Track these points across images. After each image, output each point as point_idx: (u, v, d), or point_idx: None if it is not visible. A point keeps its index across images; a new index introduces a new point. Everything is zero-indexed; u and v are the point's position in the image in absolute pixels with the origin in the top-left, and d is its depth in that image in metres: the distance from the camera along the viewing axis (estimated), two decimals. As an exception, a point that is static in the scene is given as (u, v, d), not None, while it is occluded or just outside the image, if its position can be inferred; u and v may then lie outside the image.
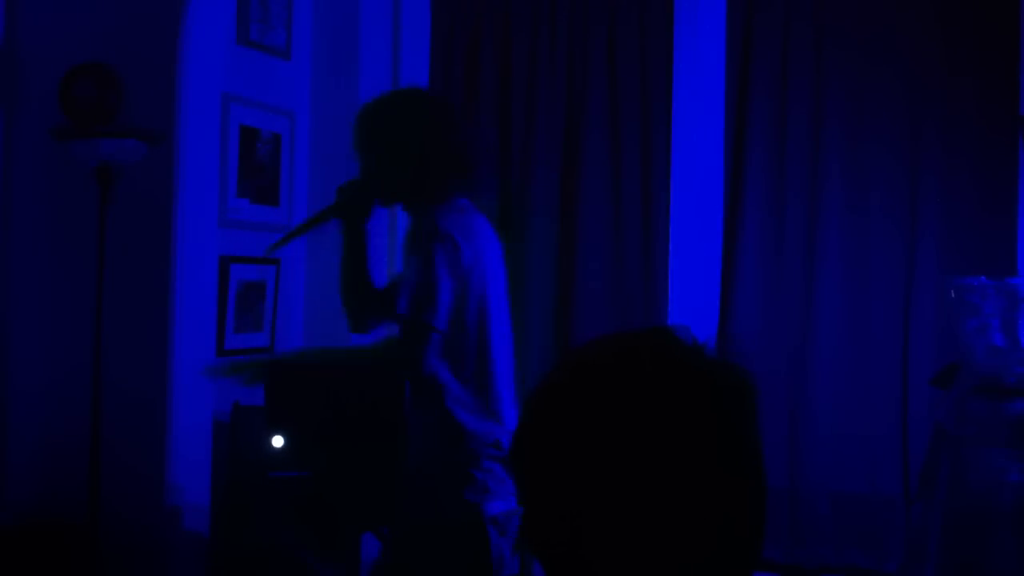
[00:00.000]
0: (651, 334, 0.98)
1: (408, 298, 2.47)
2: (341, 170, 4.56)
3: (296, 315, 4.60)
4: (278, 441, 3.93)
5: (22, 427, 3.82)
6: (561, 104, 4.68)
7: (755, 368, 0.93)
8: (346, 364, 2.89)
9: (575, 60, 4.67)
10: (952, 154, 4.25)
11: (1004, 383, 3.59)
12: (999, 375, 3.60)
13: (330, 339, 3.13)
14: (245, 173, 4.30)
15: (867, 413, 4.31)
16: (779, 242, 4.42)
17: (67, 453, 3.70)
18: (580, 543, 0.93)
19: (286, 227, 4.13)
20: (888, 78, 4.31)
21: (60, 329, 3.80)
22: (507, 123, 4.72)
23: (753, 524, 0.95)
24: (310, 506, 3.78)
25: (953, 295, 3.75)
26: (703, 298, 4.51)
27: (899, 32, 4.31)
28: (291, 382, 4.03)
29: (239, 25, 4.27)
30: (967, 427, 3.62)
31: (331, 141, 4.56)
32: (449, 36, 4.81)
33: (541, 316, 4.64)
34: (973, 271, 3.86)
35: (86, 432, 3.50)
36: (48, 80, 3.76)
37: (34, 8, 3.83)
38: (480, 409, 2.53)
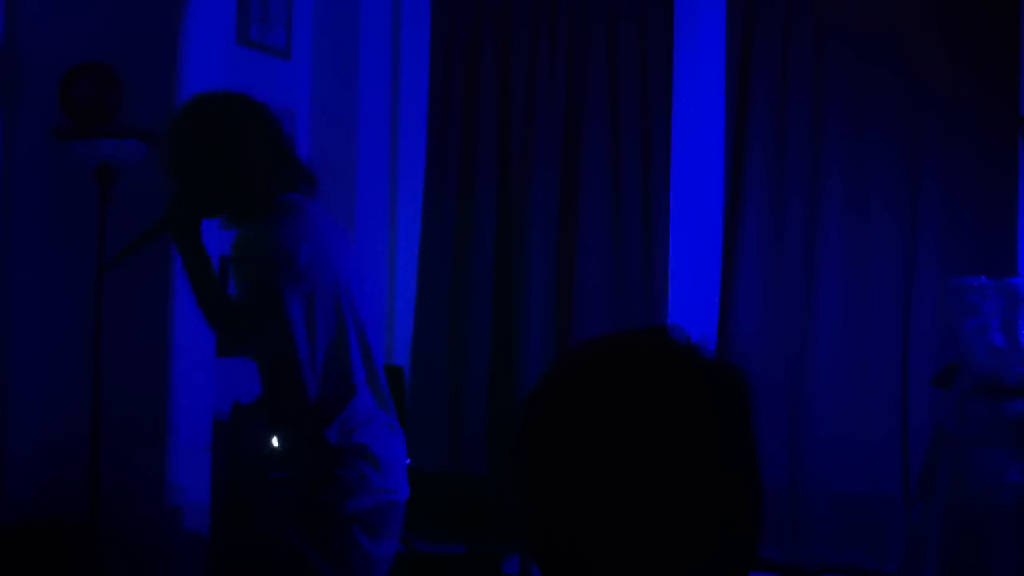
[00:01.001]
0: (648, 334, 0.98)
1: (260, 337, 2.42)
2: (341, 170, 4.58)
3: (296, 315, 4.59)
4: (278, 441, 3.93)
5: (22, 427, 3.82)
6: (561, 104, 4.68)
7: (755, 368, 0.94)
8: None
9: (575, 60, 4.67)
10: (952, 154, 4.25)
11: (1004, 383, 3.59)
12: (999, 375, 3.60)
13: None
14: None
15: (867, 413, 4.31)
16: (779, 242, 4.42)
17: (67, 453, 3.70)
18: (579, 543, 0.93)
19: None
20: (888, 78, 4.31)
21: (60, 329, 3.80)
22: (507, 123, 4.72)
23: (751, 523, 0.95)
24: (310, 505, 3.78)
25: (953, 295, 3.75)
26: (703, 298, 4.51)
27: (900, 32, 4.31)
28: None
29: (239, 25, 4.27)
30: (967, 427, 3.62)
31: (331, 141, 4.56)
32: (449, 36, 4.81)
33: (541, 316, 4.64)
34: (973, 271, 3.86)
35: (86, 432, 3.50)
36: (48, 80, 3.76)
37: (34, 8, 3.83)
38: (335, 409, 2.47)
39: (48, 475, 3.79)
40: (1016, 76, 4.18)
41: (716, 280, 4.51)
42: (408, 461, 2.63)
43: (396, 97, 4.75)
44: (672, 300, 4.54)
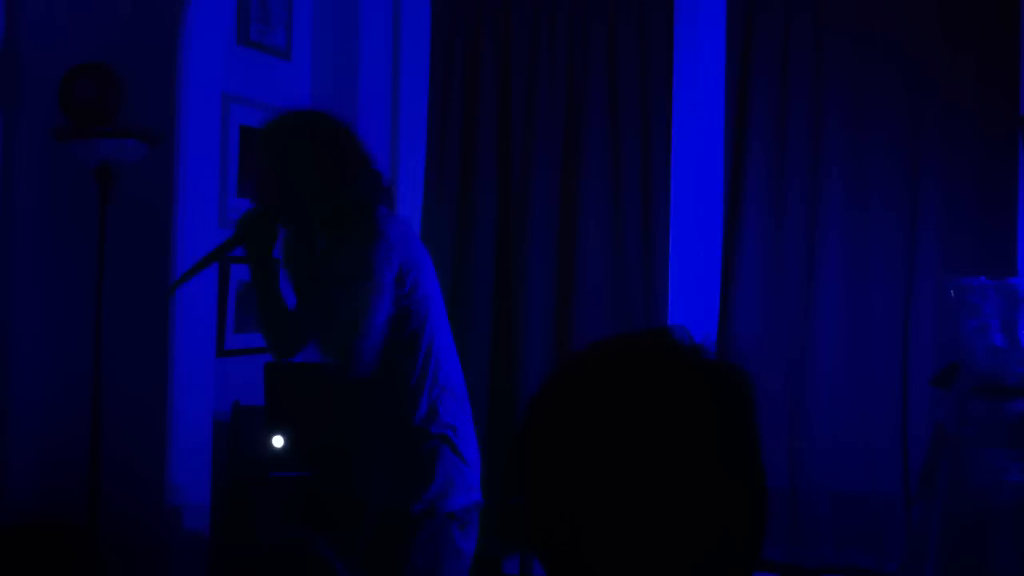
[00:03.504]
0: (650, 335, 0.98)
1: (346, 307, 2.47)
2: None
3: (296, 315, 4.59)
4: (278, 441, 3.94)
5: (22, 427, 3.82)
6: (561, 104, 4.68)
7: (755, 368, 0.94)
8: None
9: (575, 60, 4.67)
10: (952, 154, 4.25)
11: (1004, 383, 3.59)
12: (999, 375, 3.60)
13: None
14: (245, 173, 4.30)
15: (867, 413, 4.31)
16: (779, 242, 4.42)
17: (67, 453, 3.70)
18: (580, 543, 0.93)
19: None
20: (888, 78, 4.31)
21: (60, 329, 3.79)
22: (507, 123, 4.72)
23: (754, 524, 0.95)
24: (311, 505, 3.79)
25: (953, 295, 3.75)
26: (703, 298, 4.51)
27: (899, 32, 4.31)
28: (290, 382, 4.04)
29: (239, 25, 4.27)
30: (967, 427, 3.62)
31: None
32: (449, 36, 4.81)
33: (541, 316, 4.64)
34: (973, 271, 3.86)
35: (86, 432, 3.50)
36: (48, 80, 3.75)
37: (34, 8, 3.83)
38: (430, 409, 2.55)
39: (48, 475, 3.79)
40: (1016, 76, 4.18)
41: (716, 280, 4.51)
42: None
43: (396, 97, 4.75)
44: (672, 300, 4.54)
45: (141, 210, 3.68)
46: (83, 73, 3.72)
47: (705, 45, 4.56)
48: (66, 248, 3.79)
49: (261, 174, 2.61)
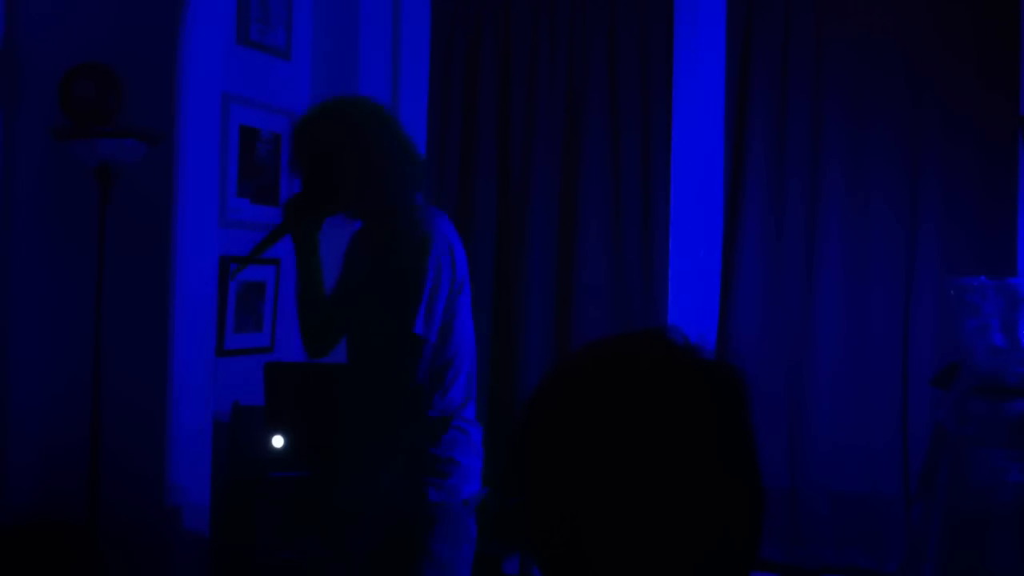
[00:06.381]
0: (646, 335, 0.99)
1: (401, 309, 2.47)
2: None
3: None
4: (278, 441, 3.94)
5: (22, 428, 3.82)
6: (561, 103, 4.68)
7: (755, 368, 0.94)
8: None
9: (575, 60, 4.67)
10: (952, 154, 4.25)
11: (1004, 383, 3.59)
12: (999, 375, 3.60)
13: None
14: (245, 173, 4.30)
15: (867, 413, 4.31)
16: (779, 242, 4.42)
17: (67, 453, 3.70)
18: (580, 543, 0.93)
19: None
20: (888, 78, 4.32)
21: (60, 329, 3.79)
22: (507, 123, 4.72)
23: (752, 523, 0.95)
24: (312, 507, 3.79)
25: (953, 295, 3.75)
26: (703, 298, 4.51)
27: (899, 32, 4.31)
28: (290, 382, 4.04)
29: (239, 25, 4.27)
30: (967, 427, 3.62)
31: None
32: (449, 36, 4.81)
33: (541, 315, 4.64)
34: (973, 271, 3.86)
35: (86, 432, 3.50)
36: (48, 80, 3.76)
37: (34, 8, 3.83)
38: (449, 398, 2.57)
39: (48, 475, 3.79)
40: (1016, 76, 4.18)
41: (716, 280, 4.51)
42: None
43: (396, 97, 4.75)
44: (672, 300, 4.54)
45: (141, 210, 3.68)
46: (83, 73, 3.72)
47: (705, 45, 4.56)
48: (66, 248, 3.79)
49: (305, 159, 2.60)
